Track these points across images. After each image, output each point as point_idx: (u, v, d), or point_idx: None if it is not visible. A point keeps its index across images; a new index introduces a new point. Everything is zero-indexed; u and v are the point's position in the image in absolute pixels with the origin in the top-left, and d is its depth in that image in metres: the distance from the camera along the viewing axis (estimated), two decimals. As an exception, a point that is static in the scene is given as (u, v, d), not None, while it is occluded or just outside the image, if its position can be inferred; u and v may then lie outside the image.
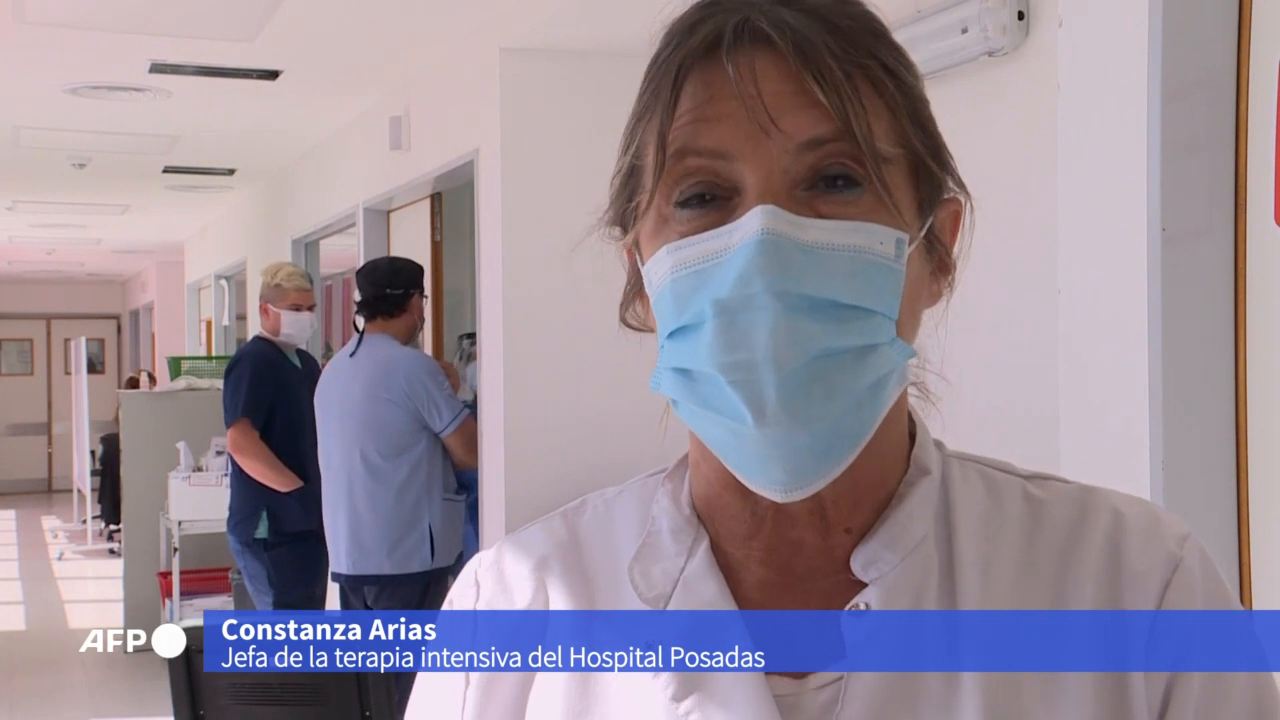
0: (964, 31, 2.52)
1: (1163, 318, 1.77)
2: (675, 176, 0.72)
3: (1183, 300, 1.77)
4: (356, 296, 4.37)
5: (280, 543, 4.61)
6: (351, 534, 4.11)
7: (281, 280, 4.78)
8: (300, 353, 4.93)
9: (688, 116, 0.72)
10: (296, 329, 4.81)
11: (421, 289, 4.31)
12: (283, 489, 4.60)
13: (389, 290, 4.21)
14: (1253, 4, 1.75)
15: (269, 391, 4.67)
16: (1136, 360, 1.79)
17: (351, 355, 4.22)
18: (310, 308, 4.86)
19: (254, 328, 7.99)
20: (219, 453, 6.23)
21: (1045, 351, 2.14)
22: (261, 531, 4.64)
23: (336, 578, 4.23)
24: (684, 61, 0.72)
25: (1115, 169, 1.84)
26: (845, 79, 0.70)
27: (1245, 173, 1.75)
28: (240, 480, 4.72)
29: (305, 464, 4.49)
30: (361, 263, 5.87)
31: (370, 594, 4.15)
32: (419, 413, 4.09)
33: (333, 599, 4.66)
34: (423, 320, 4.39)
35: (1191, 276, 1.77)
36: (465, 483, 4.39)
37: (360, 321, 4.26)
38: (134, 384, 8.58)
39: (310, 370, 4.95)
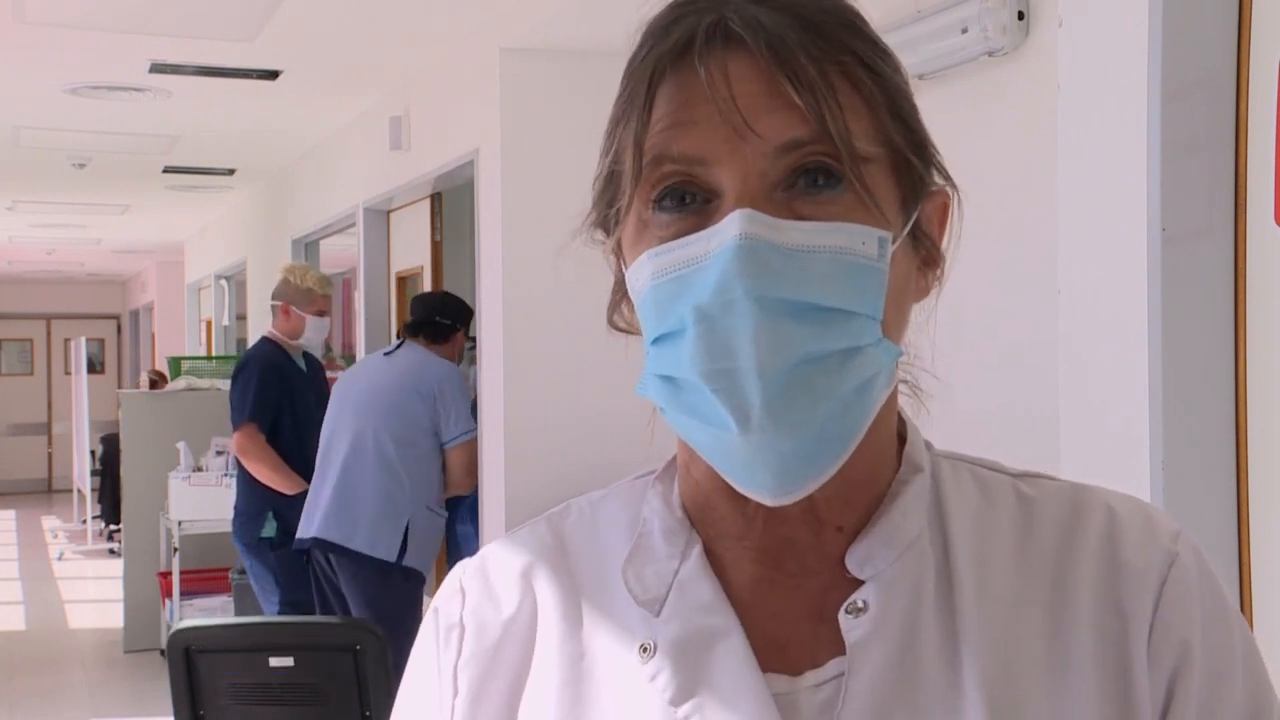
0: (964, 31, 2.52)
1: (1163, 318, 1.76)
2: (652, 182, 0.71)
3: (1183, 300, 1.77)
4: (406, 318, 4.44)
5: (286, 542, 4.60)
6: (336, 498, 4.13)
7: (313, 285, 4.77)
8: (305, 355, 4.93)
9: (664, 122, 0.71)
10: (317, 334, 4.83)
11: (468, 330, 4.40)
12: (289, 492, 4.59)
13: (438, 318, 4.33)
14: (1253, 4, 1.75)
15: (276, 394, 4.67)
16: (1136, 360, 1.79)
17: (387, 354, 4.32)
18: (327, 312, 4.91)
19: (255, 327, 8.01)
20: (219, 453, 6.22)
21: (1045, 351, 2.13)
22: (268, 531, 4.64)
23: (300, 543, 4.25)
24: (658, 65, 0.71)
25: (1115, 169, 1.84)
26: (820, 78, 0.69)
27: (1245, 173, 1.75)
28: (246, 481, 4.71)
29: (311, 466, 4.49)
30: (361, 262, 5.93)
31: (332, 561, 4.17)
32: (437, 415, 4.13)
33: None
34: (460, 359, 4.44)
35: (1191, 276, 1.77)
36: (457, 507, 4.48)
37: (403, 334, 4.36)
38: (152, 384, 8.53)
39: (315, 372, 4.96)
